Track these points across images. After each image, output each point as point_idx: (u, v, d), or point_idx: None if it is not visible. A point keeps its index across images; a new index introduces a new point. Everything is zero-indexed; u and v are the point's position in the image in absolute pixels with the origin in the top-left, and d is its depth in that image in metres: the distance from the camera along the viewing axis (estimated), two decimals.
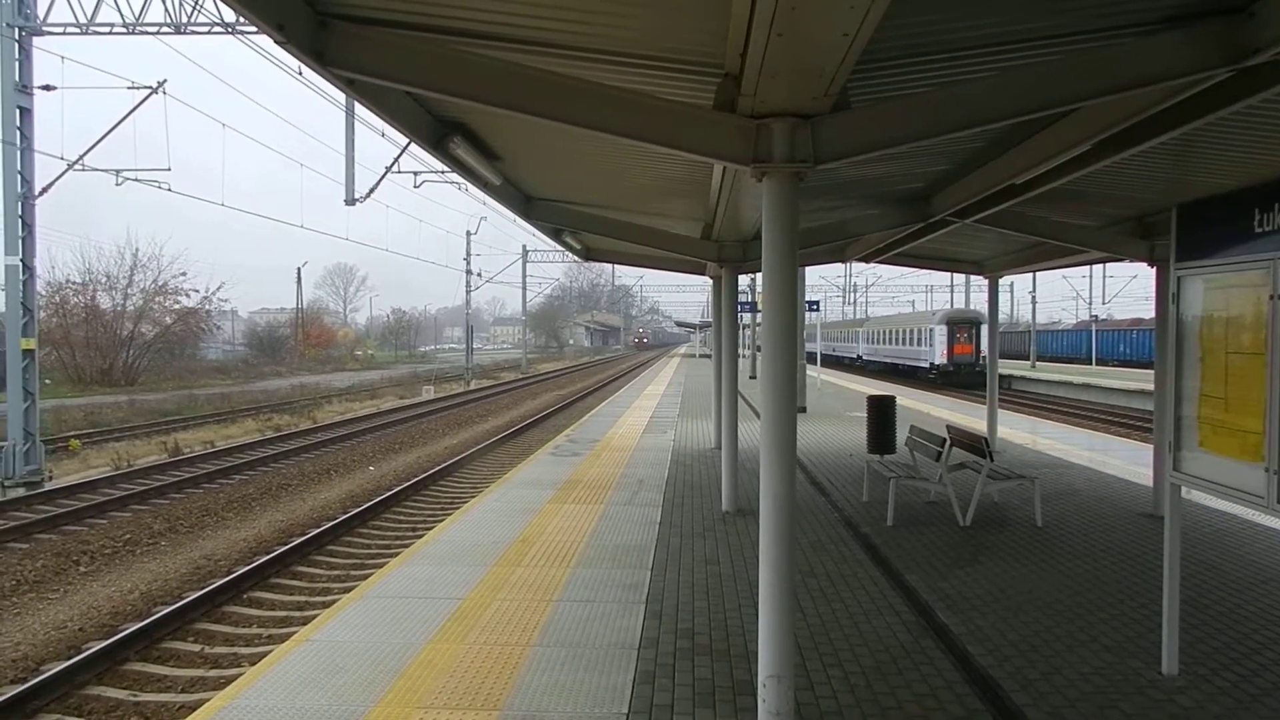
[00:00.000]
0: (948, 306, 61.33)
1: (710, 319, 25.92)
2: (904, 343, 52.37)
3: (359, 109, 24.16)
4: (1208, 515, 10.32)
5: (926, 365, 47.48)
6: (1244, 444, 5.03)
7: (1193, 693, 5.47)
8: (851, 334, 67.92)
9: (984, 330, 44.73)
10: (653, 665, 5.88)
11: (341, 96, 23.10)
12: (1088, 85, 4.53)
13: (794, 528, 4.96)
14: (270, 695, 5.37)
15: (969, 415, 23.64)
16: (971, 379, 43.27)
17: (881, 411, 13.85)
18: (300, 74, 17.80)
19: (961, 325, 47.02)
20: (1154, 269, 10.22)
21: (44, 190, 19.32)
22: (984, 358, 42.99)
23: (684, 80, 5.29)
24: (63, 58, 19.11)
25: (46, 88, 19.01)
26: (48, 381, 35.93)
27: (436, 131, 6.90)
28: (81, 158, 20.50)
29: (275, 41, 4.31)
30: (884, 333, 58.36)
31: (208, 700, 5.42)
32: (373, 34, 4.64)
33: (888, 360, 55.03)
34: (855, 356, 63.93)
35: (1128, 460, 15.09)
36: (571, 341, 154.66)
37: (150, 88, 20.42)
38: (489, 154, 8.08)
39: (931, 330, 47.69)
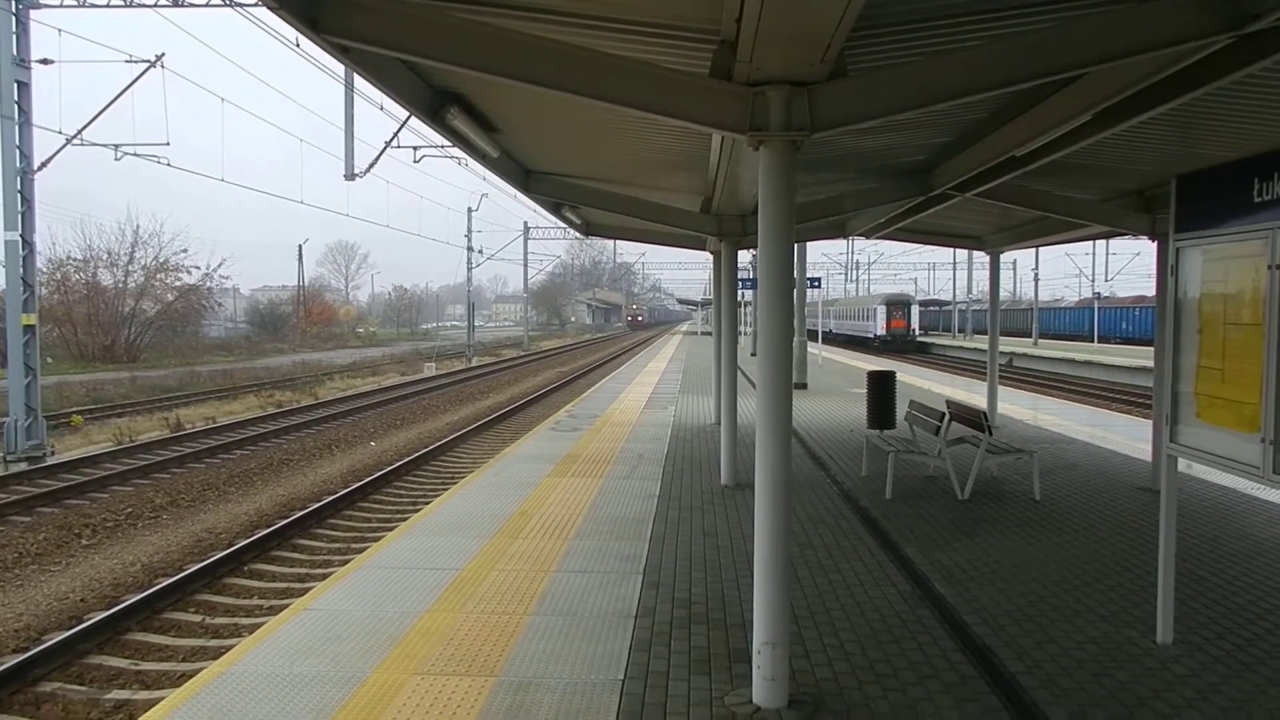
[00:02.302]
0: (888, 290, 73.90)
1: (711, 297, 25.87)
2: (857, 319, 63.62)
3: (358, 82, 24.05)
4: (1207, 490, 10.33)
5: (871, 336, 59.14)
6: (1240, 415, 5.04)
7: (1186, 661, 5.50)
8: (826, 311, 75.48)
9: (914, 309, 62.27)
10: (649, 633, 5.91)
11: (341, 70, 23.00)
12: (1088, 51, 4.49)
13: (790, 496, 4.98)
14: (269, 661, 5.41)
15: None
16: (904, 346, 56.03)
17: (881, 387, 13.85)
18: (298, 45, 17.70)
19: (896, 305, 60.56)
20: (1155, 243, 10.20)
21: (43, 165, 19.28)
22: (914, 330, 60.42)
23: (681, 47, 5.25)
24: (60, 30, 19.06)
25: (44, 61, 18.91)
26: (49, 359, 35.98)
27: (433, 102, 6.87)
28: (80, 132, 20.45)
29: (269, 8, 4.29)
30: (845, 310, 69.03)
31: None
32: (367, 0, 4.60)
33: (846, 333, 64.36)
34: (827, 330, 70.02)
35: (1128, 435, 15.10)
36: (573, 319, 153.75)
37: (148, 61, 20.31)
38: (487, 126, 8.04)
39: (875, 309, 60.54)
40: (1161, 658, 5.56)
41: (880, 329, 59.43)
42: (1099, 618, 6.28)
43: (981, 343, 54.46)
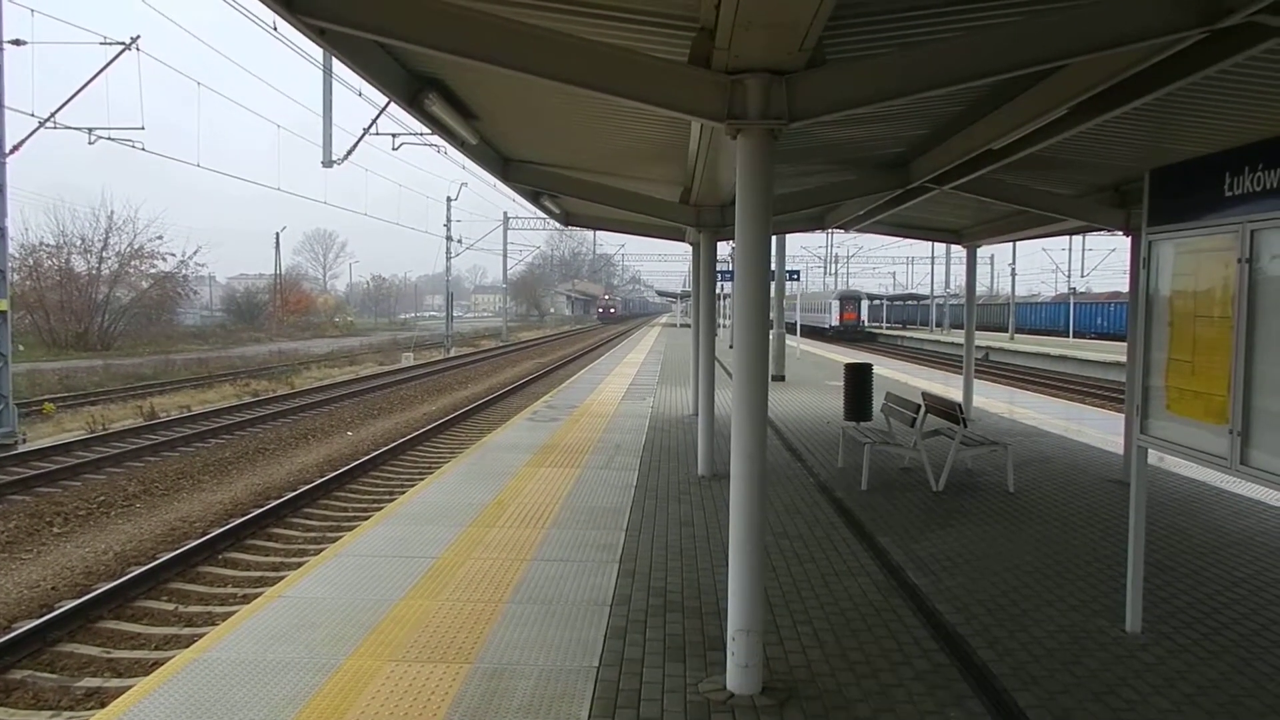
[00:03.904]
0: (841, 287, 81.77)
1: (690, 289, 25.82)
2: (817, 311, 71.15)
3: (336, 67, 23.84)
4: (1176, 482, 10.46)
5: (827, 326, 67.52)
6: (1209, 406, 5.11)
7: (1154, 649, 5.58)
8: (792, 304, 78.66)
9: (863, 303, 73.49)
10: (625, 621, 5.93)
11: (319, 55, 22.80)
12: (1063, 44, 4.53)
13: (765, 486, 5.01)
14: (242, 648, 5.38)
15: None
16: (855, 335, 65.81)
17: (858, 379, 13.90)
18: (275, 28, 17.52)
19: (848, 300, 70.86)
20: (1129, 238, 10.31)
21: (15, 148, 19.02)
22: (863, 321, 71.20)
23: (660, 34, 5.24)
24: (33, 11, 18.77)
25: (17, 42, 18.64)
26: (21, 347, 35.43)
27: (411, 87, 6.82)
28: (54, 115, 20.18)
29: None
30: (805, 304, 76.86)
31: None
32: None
33: (808, 324, 70.38)
34: (792, 321, 75.02)
35: (1101, 429, 15.26)
36: (552, 310, 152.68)
37: (123, 44, 20.05)
38: (466, 112, 8.00)
39: (830, 303, 70.18)
40: (1130, 646, 5.63)
41: (834, 320, 68.41)
42: (1069, 607, 6.35)
43: (953, 337, 55.63)
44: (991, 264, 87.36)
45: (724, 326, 46.81)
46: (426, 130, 9.18)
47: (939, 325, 74.81)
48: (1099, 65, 5.25)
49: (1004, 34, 4.70)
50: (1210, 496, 9.85)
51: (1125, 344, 13.77)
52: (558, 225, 17.49)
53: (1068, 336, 57.46)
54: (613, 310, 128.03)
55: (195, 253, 72.02)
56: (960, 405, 10.68)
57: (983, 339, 45.36)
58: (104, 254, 53.22)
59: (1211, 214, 5.13)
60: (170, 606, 9.12)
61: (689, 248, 18.53)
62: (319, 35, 4.87)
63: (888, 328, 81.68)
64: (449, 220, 57.01)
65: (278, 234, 76.55)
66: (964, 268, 17.92)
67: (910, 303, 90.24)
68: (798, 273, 36.40)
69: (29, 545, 11.16)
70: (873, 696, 4.87)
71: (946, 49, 4.81)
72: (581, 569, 7.08)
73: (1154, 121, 7.36)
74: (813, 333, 62.78)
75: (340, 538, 8.85)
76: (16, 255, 43.32)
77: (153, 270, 55.96)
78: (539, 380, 33.98)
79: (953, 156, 8.11)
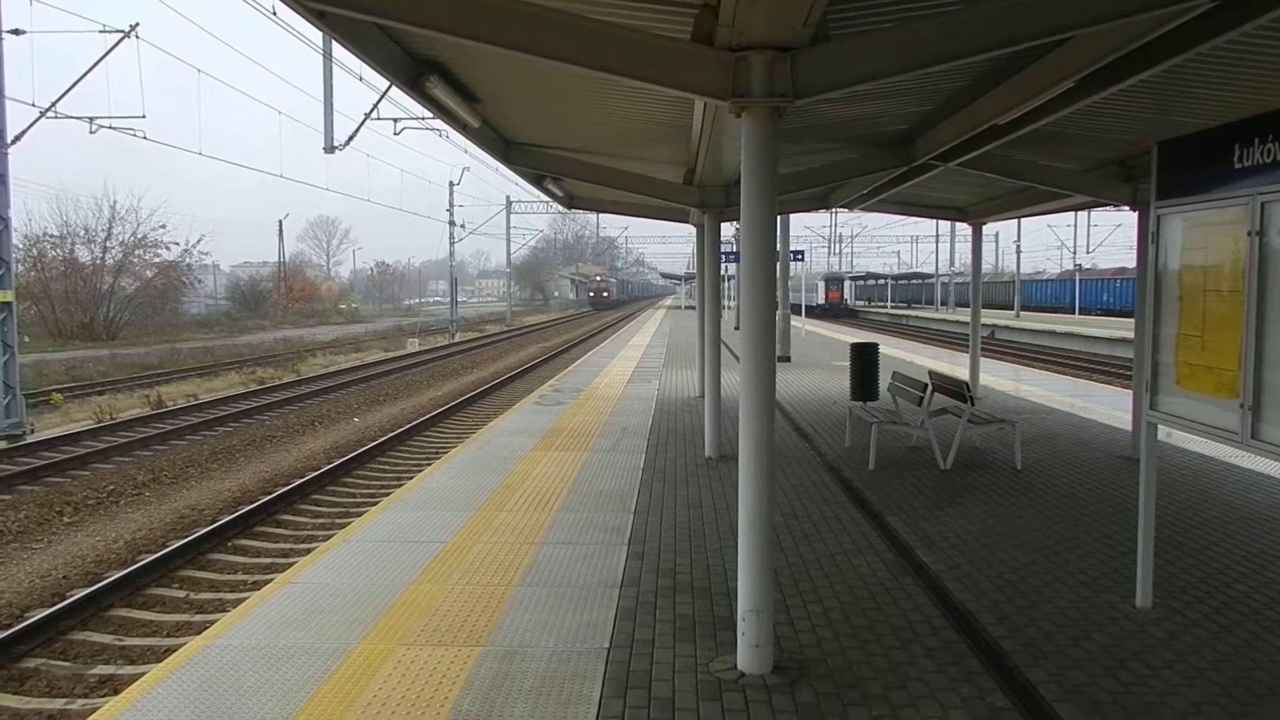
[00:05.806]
0: (827, 270, 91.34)
1: (694, 270, 25.75)
2: (808, 292, 77.79)
3: (336, 51, 23.73)
4: (1185, 458, 10.44)
5: (814, 305, 70.93)
6: (1219, 381, 5.08)
7: (1165, 624, 5.57)
8: (794, 285, 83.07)
9: (846, 284, 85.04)
10: (634, 603, 5.94)
11: (319, 39, 22.69)
12: (1069, 16, 4.47)
13: (773, 463, 4.99)
14: (253, 634, 5.40)
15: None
16: (839, 312, 73.50)
17: (865, 359, 13.87)
18: (274, 13, 17.41)
19: (833, 281, 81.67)
20: (1136, 213, 10.24)
21: (16, 138, 18.98)
22: (846, 300, 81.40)
23: (662, 12, 5.19)
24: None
25: (16, 32, 18.56)
26: (26, 338, 35.50)
27: (413, 70, 6.77)
28: (54, 104, 20.13)
29: None
30: (797, 285, 79.68)
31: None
32: None
33: (798, 302, 73.23)
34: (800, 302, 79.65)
35: (1109, 406, 15.23)
36: (557, 294, 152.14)
37: (122, 31, 19.97)
38: (467, 95, 7.94)
39: (818, 284, 78.53)
40: (1141, 621, 5.63)
41: (821, 299, 75.17)
42: (1079, 583, 6.35)
43: (958, 316, 55.70)
44: (996, 241, 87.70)
45: (728, 308, 46.80)
46: (428, 114, 9.16)
47: (944, 304, 74.96)
48: (1105, 37, 5.19)
49: (1009, 6, 4.63)
50: (1219, 471, 9.82)
51: (1131, 320, 13.69)
52: (561, 209, 17.43)
53: (1074, 313, 57.32)
54: (606, 294, 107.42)
55: (199, 241, 72.44)
56: (967, 383, 10.64)
57: (988, 317, 45.36)
58: (108, 244, 53.43)
59: (1221, 187, 5.08)
60: (181, 594, 9.16)
61: (693, 229, 18.46)
62: (319, 19, 4.84)
63: (893, 306, 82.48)
64: (451, 205, 56.99)
65: (280, 221, 76.55)
66: (968, 245, 17.82)
67: (915, 282, 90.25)
68: (802, 253, 36.31)
69: (40, 535, 11.21)
70: (883, 674, 4.88)
71: (951, 23, 4.75)
72: (590, 552, 7.09)
73: (1161, 94, 7.29)
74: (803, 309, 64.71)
75: (349, 524, 8.87)
76: (20, 246, 43.39)
77: (157, 259, 56.14)
78: (544, 364, 33.98)
79: (957, 133, 8.04)
